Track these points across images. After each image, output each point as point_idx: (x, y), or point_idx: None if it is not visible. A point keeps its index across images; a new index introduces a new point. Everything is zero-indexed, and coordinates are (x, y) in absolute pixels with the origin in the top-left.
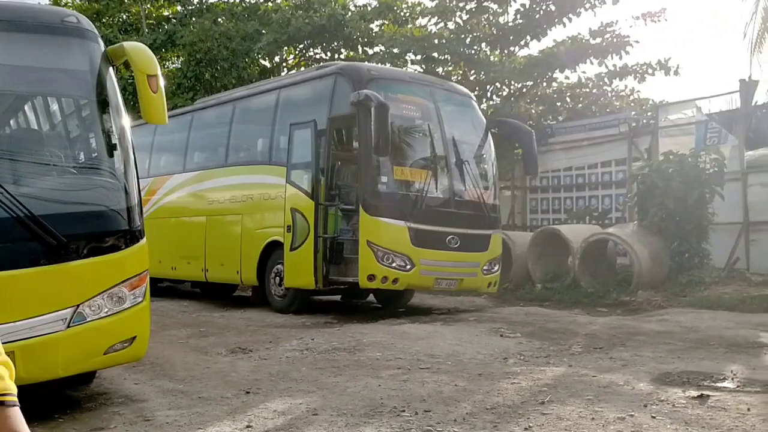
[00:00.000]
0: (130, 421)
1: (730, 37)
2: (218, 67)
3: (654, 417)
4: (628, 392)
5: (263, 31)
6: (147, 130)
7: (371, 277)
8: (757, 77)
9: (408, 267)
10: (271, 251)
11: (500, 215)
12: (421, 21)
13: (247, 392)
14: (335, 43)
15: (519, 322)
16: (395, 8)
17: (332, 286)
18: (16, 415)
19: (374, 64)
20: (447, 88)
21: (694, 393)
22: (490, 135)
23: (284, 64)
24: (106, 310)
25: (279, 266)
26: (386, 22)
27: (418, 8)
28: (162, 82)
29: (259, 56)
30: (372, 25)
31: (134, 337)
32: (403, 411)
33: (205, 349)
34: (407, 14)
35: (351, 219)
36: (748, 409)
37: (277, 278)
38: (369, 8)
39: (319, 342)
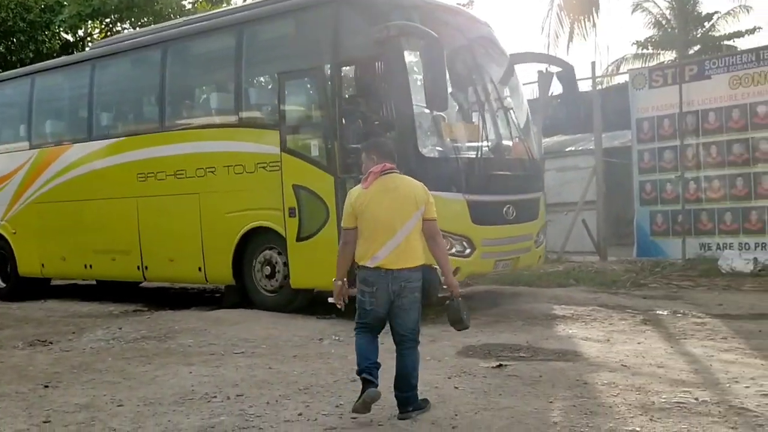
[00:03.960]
0: None
1: (531, 31)
2: (14, 40)
3: (457, 388)
4: (435, 366)
5: (65, 3)
6: (21, 85)
7: None
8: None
9: (468, 251)
10: (249, 238)
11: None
12: (237, 0)
13: (46, 386)
14: (145, 19)
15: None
16: None
17: None
18: None
19: None
20: (469, 17)
21: (494, 364)
22: (517, 74)
23: (89, 39)
24: None
25: (268, 252)
26: (200, 0)
27: None
28: None
29: (61, 29)
30: (185, 2)
31: None
32: (215, 397)
33: None
34: None
35: None
36: (540, 376)
37: (268, 267)
38: None
39: (127, 331)
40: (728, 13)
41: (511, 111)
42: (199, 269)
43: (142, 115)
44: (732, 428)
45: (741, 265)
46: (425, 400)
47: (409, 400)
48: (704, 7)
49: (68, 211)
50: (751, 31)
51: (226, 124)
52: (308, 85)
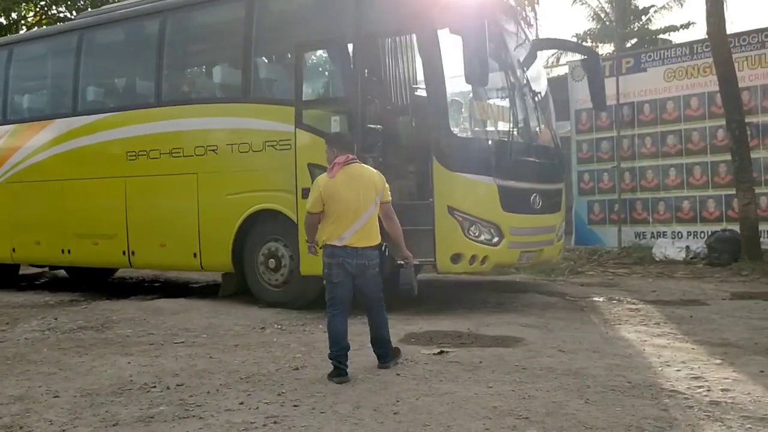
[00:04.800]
0: None
1: None
2: None
3: (399, 374)
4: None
5: None
6: None
7: (456, 258)
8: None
9: (496, 240)
10: (253, 223)
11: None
12: None
13: None
14: (81, 2)
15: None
16: None
17: None
18: None
19: None
20: None
21: (435, 350)
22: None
23: (23, 22)
24: None
25: (273, 244)
26: None
27: None
28: None
29: None
30: None
31: None
32: (154, 387)
33: None
34: None
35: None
36: (480, 362)
37: (272, 260)
38: None
39: (63, 321)
40: (663, 6)
41: (538, 97)
42: (195, 255)
43: (135, 89)
44: (663, 410)
45: (674, 253)
46: (397, 349)
47: (386, 353)
48: (641, 1)
49: (46, 192)
50: (686, 26)
51: (231, 99)
52: (329, 58)
